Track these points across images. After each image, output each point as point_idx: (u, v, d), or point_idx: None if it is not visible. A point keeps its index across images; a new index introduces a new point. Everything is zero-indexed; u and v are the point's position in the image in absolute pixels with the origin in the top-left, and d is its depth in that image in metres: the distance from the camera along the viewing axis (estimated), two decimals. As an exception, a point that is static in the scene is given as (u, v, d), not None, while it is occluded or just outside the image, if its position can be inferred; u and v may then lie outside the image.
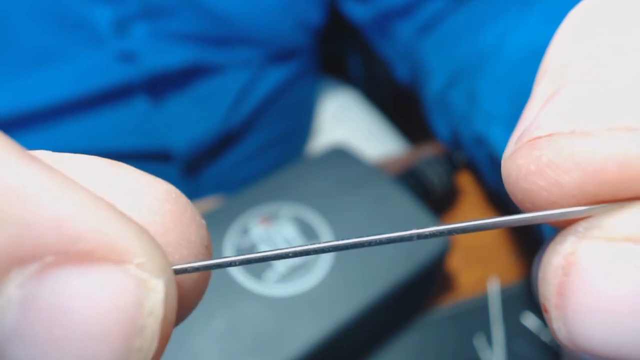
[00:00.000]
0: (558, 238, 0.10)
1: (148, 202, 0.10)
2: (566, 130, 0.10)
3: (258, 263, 0.11)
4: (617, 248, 0.09)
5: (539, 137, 0.10)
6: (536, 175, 0.10)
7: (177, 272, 0.10)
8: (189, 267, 0.10)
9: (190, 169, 0.49)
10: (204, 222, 0.11)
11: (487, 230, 0.11)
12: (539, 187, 0.10)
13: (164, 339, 0.09)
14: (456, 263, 0.38)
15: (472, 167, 0.43)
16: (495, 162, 0.36)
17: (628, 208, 0.10)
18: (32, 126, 0.41)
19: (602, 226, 0.10)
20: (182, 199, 0.11)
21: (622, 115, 0.09)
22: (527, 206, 0.11)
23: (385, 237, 0.11)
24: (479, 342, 0.34)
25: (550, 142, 0.10)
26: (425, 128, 0.47)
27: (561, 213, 0.10)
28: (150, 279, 0.09)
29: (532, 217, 0.10)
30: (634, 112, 0.09)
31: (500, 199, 0.41)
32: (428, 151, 0.44)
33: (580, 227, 0.10)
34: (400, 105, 0.69)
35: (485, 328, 0.34)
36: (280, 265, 0.31)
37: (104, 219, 0.08)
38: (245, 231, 0.32)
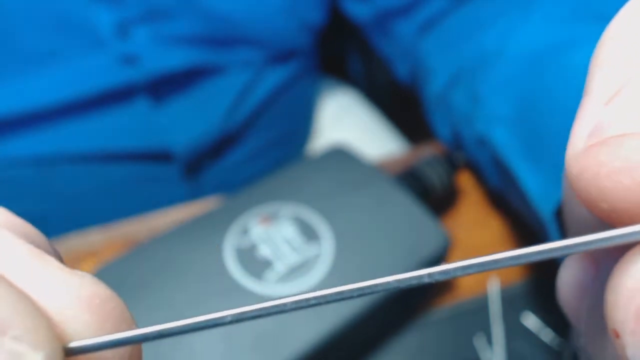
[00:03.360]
0: (628, 258, 0.09)
1: (62, 309, 0.09)
2: None
3: (174, 336, 0.10)
4: None
5: (626, 135, 0.09)
6: (622, 173, 0.09)
7: (76, 351, 0.09)
8: (88, 345, 0.09)
9: (191, 169, 0.49)
10: (133, 323, 0.10)
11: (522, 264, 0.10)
12: (624, 186, 0.09)
13: None
14: (456, 263, 0.38)
15: (472, 167, 0.43)
16: (497, 163, 0.36)
17: None
18: (32, 126, 0.41)
19: None
20: (109, 304, 0.10)
21: None
22: (601, 206, 0.10)
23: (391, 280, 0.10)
24: (479, 342, 0.34)
25: None
26: (425, 128, 0.47)
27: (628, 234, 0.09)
28: (28, 353, 0.08)
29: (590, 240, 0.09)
30: None
31: (501, 200, 0.41)
32: (428, 151, 0.44)
33: None
34: (400, 105, 0.69)
35: (485, 328, 0.34)
36: (280, 265, 0.31)
37: None
38: (245, 231, 0.32)
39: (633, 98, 0.10)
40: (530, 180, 0.31)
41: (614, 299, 0.09)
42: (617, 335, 0.09)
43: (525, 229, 0.39)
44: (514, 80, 0.35)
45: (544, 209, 0.29)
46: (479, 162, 0.39)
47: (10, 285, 0.08)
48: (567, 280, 0.13)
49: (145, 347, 0.29)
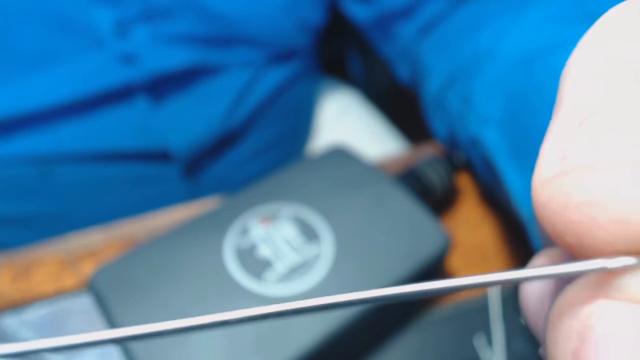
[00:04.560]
0: (570, 293, 0.09)
1: None
2: None
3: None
4: None
5: (601, 164, 0.08)
6: (594, 208, 0.08)
7: None
8: None
9: (191, 169, 0.49)
10: None
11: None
12: (595, 222, 0.08)
13: None
14: (456, 263, 0.38)
15: (472, 167, 0.43)
16: (488, 164, 0.36)
17: None
18: (32, 126, 0.41)
19: (626, 285, 0.08)
20: None
21: None
22: (568, 240, 0.09)
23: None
24: (479, 342, 0.34)
25: (626, 171, 0.08)
26: (425, 128, 0.47)
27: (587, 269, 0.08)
28: None
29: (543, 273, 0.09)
30: None
31: (497, 200, 0.41)
32: (428, 151, 0.44)
33: (597, 281, 0.08)
34: (400, 105, 0.69)
35: (485, 328, 0.34)
36: (280, 265, 0.31)
37: None
38: (245, 231, 0.32)
39: (611, 119, 0.09)
40: (514, 181, 0.31)
41: (553, 335, 0.09)
42: None
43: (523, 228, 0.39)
44: (503, 81, 0.35)
45: (525, 210, 0.29)
46: (472, 162, 0.39)
47: None
48: (528, 292, 0.12)
49: (144, 348, 0.29)
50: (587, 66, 0.10)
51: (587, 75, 0.10)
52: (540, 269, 0.09)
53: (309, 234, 0.32)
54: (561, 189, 0.09)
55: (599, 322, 0.08)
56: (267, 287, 0.30)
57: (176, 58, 0.44)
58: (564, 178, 0.09)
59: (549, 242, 0.15)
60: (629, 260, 0.08)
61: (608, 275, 0.08)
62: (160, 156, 0.46)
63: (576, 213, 0.08)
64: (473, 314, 0.35)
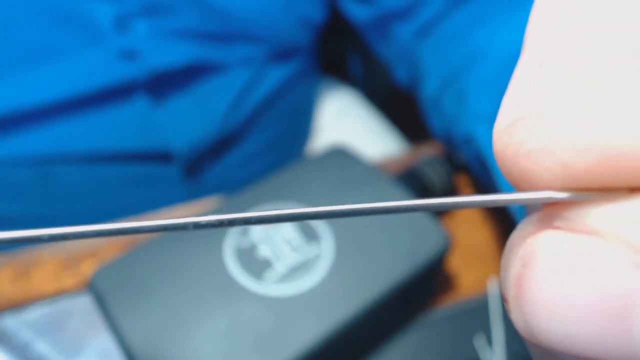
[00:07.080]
0: (522, 225, 0.09)
1: None
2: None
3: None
4: (581, 243, 0.08)
5: (546, 110, 0.09)
6: (542, 153, 0.08)
7: None
8: None
9: (191, 169, 0.49)
10: None
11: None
12: (545, 167, 0.08)
13: None
14: (456, 263, 0.38)
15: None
16: (482, 162, 0.36)
17: (611, 197, 0.08)
18: (31, 125, 0.41)
19: (568, 216, 0.09)
20: None
21: None
22: (522, 187, 0.09)
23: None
24: (479, 342, 0.34)
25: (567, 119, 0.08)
26: (425, 128, 0.47)
27: (535, 198, 0.09)
28: None
29: (492, 200, 0.09)
30: None
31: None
32: (428, 151, 0.44)
33: (545, 214, 0.09)
34: (400, 105, 0.69)
35: (485, 328, 0.34)
36: (280, 265, 0.31)
37: None
38: (245, 231, 0.32)
39: (568, 61, 0.09)
40: (504, 178, 0.31)
41: (504, 263, 0.09)
42: (506, 300, 0.10)
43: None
44: (496, 78, 0.35)
45: (515, 206, 0.29)
46: (467, 161, 0.39)
47: None
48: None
49: (144, 347, 0.29)
50: (550, 6, 0.10)
51: (549, 16, 0.10)
52: (496, 195, 0.09)
53: (309, 234, 0.32)
54: (515, 137, 0.09)
55: (540, 248, 0.09)
56: (267, 287, 0.30)
57: (176, 54, 0.44)
58: (516, 127, 0.09)
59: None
60: (572, 194, 0.08)
61: (553, 210, 0.09)
62: (161, 156, 0.46)
63: (526, 160, 0.09)
64: (473, 314, 0.35)
